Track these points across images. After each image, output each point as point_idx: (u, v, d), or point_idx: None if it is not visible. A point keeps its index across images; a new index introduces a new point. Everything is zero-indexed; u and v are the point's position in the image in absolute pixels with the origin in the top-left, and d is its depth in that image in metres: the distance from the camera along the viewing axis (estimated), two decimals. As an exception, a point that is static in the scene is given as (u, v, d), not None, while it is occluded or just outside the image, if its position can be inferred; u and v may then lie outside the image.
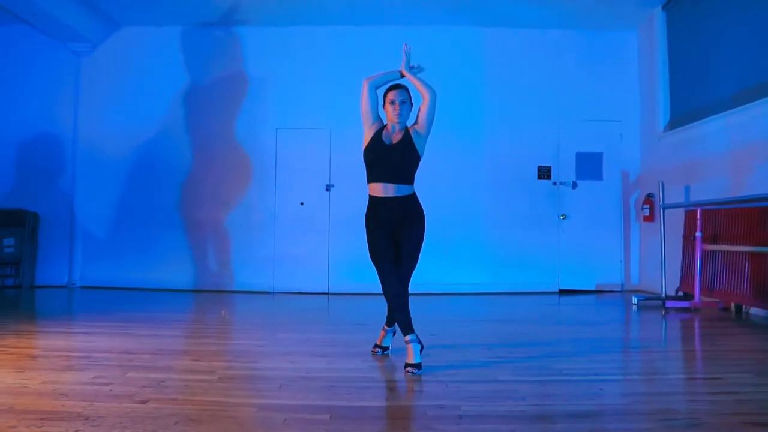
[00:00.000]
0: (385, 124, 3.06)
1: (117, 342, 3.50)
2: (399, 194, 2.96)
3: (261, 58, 6.92)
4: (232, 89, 6.92)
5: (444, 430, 1.97)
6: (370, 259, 3.01)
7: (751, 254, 4.64)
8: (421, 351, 2.89)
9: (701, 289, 5.07)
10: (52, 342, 3.56)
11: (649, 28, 6.61)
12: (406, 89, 3.05)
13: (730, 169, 5.11)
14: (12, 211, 6.62)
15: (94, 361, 2.97)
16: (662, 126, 6.38)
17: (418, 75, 3.09)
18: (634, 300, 5.53)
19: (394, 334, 3.24)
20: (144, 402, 2.25)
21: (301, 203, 6.81)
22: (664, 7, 6.34)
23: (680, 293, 5.63)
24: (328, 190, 6.80)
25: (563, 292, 6.67)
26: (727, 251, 4.94)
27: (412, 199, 3.02)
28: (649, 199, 6.46)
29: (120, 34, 6.98)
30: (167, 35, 6.94)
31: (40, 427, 1.94)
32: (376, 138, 2.99)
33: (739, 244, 4.78)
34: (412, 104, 3.05)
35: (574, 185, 6.84)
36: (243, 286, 6.72)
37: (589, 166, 6.87)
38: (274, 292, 6.69)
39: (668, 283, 5.55)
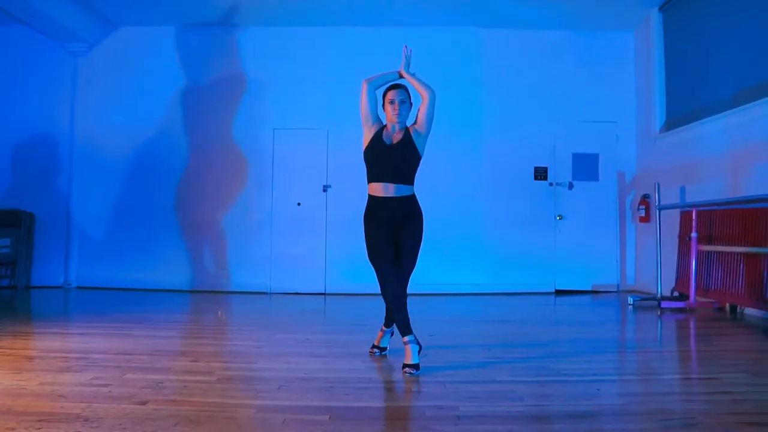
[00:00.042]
0: (384, 124, 3.06)
1: (114, 343, 3.49)
2: (399, 194, 2.97)
3: (259, 59, 6.92)
4: (230, 89, 6.92)
5: (443, 431, 1.98)
6: (367, 260, 3.01)
7: (746, 255, 4.67)
8: (419, 352, 2.90)
9: (696, 289, 5.10)
10: (49, 343, 3.55)
11: (645, 29, 6.64)
12: (406, 89, 3.06)
13: (725, 170, 5.14)
14: (8, 212, 6.60)
15: (92, 362, 2.97)
16: (658, 127, 6.41)
17: (416, 75, 3.10)
18: (630, 300, 5.56)
19: (392, 334, 3.24)
20: (143, 403, 2.25)
21: (299, 204, 6.81)
22: (660, 9, 6.37)
23: (676, 293, 5.66)
24: (325, 190, 6.80)
25: (559, 293, 6.69)
26: (722, 252, 4.96)
27: (412, 199, 3.03)
28: (645, 199, 6.49)
29: (117, 35, 6.96)
30: (164, 35, 6.93)
31: (39, 428, 1.94)
32: (377, 138, 3.00)
33: (734, 245, 4.81)
34: (411, 104, 3.06)
35: (571, 186, 6.87)
36: (240, 286, 6.72)
37: (586, 166, 6.90)
38: (271, 293, 6.69)
39: (664, 283, 5.58)
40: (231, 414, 2.16)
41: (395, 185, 2.96)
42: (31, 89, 6.92)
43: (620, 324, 4.81)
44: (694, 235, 5.08)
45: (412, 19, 6.61)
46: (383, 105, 3.05)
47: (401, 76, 3.12)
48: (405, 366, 2.79)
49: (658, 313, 5.00)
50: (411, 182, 3.02)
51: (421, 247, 3.04)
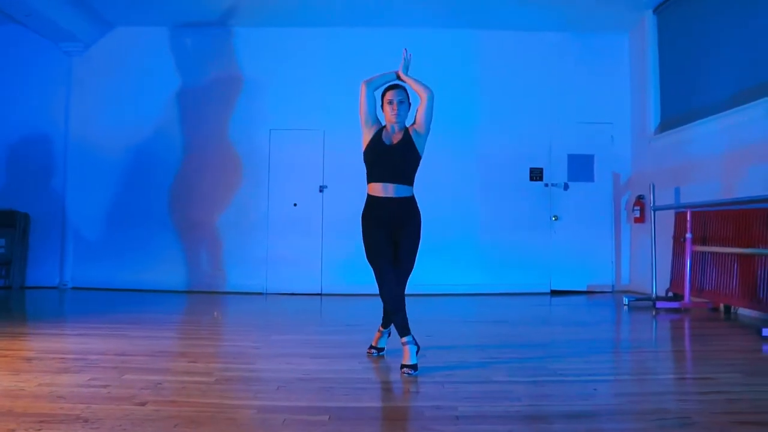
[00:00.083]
0: (383, 125, 3.07)
1: (112, 344, 3.49)
2: (399, 195, 2.97)
3: (255, 59, 6.91)
4: (226, 90, 6.91)
5: (442, 431, 2.00)
6: (365, 260, 3.00)
7: (740, 255, 4.71)
8: (417, 352, 2.92)
9: (691, 289, 5.14)
10: (46, 344, 3.54)
11: (640, 31, 6.68)
12: (404, 89, 3.07)
13: (719, 171, 5.18)
14: (2, 212, 6.57)
15: (90, 363, 2.97)
16: (653, 128, 6.46)
17: (414, 75, 3.11)
18: (625, 300, 5.60)
19: (389, 335, 3.26)
20: (142, 404, 2.25)
21: (295, 204, 6.81)
22: (655, 11, 6.42)
23: (670, 294, 5.70)
24: (321, 191, 6.81)
25: (555, 293, 6.72)
26: (717, 252, 5.01)
27: (411, 201, 3.04)
28: (640, 200, 6.53)
29: (113, 35, 6.94)
30: (160, 36, 6.92)
31: (40, 429, 1.94)
32: (376, 138, 3.01)
33: (729, 246, 4.85)
34: (410, 104, 3.07)
35: (566, 187, 6.90)
36: (236, 287, 6.71)
37: (581, 167, 6.93)
38: (266, 293, 6.69)
39: (658, 283, 5.62)
40: (231, 415, 2.16)
41: (395, 185, 2.97)
42: (25, 89, 6.88)
43: (615, 324, 4.84)
44: (688, 235, 5.12)
45: (408, 21, 6.62)
46: (382, 105, 3.06)
47: (399, 78, 3.13)
48: (403, 366, 2.80)
49: (653, 313, 5.04)
50: (411, 183, 3.03)
51: (419, 247, 3.05)
